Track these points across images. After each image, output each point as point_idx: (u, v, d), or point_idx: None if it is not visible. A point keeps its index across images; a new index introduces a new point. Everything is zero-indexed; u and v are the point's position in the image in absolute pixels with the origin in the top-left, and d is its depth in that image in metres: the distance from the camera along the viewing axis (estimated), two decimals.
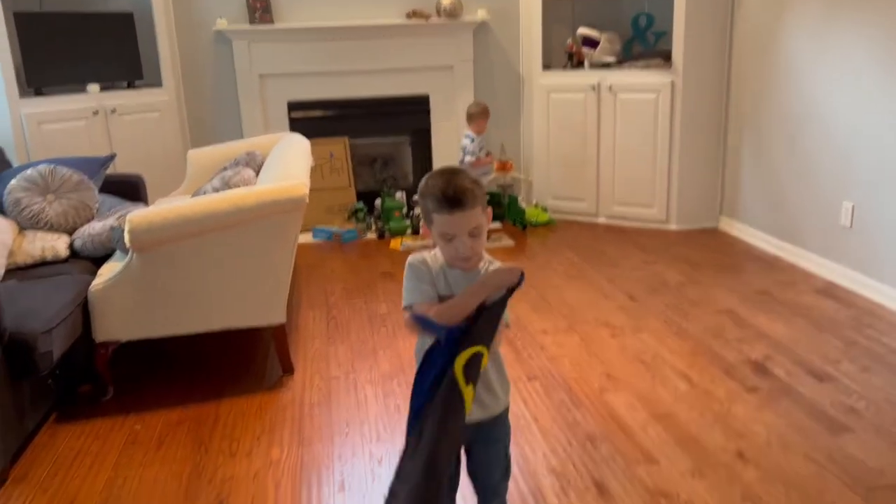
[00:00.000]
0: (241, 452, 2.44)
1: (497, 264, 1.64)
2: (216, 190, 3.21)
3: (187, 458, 2.42)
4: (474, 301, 1.57)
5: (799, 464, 2.24)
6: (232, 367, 3.09)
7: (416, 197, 1.68)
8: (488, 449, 1.73)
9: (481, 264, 1.64)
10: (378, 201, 5.10)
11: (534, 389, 2.77)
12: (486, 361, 1.55)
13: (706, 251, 4.39)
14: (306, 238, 4.92)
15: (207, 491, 2.23)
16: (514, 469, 2.26)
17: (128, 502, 2.19)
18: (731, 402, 2.62)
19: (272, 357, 3.10)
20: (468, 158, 4.86)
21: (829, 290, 3.65)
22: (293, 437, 2.53)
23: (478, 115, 4.91)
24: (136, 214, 2.65)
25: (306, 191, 2.79)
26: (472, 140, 4.90)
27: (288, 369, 2.99)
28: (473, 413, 1.61)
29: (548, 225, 5.08)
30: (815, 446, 2.33)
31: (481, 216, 1.56)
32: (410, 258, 1.63)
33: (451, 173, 1.56)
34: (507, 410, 1.74)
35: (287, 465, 2.36)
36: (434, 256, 1.63)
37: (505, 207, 5.11)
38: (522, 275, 1.56)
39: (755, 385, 2.74)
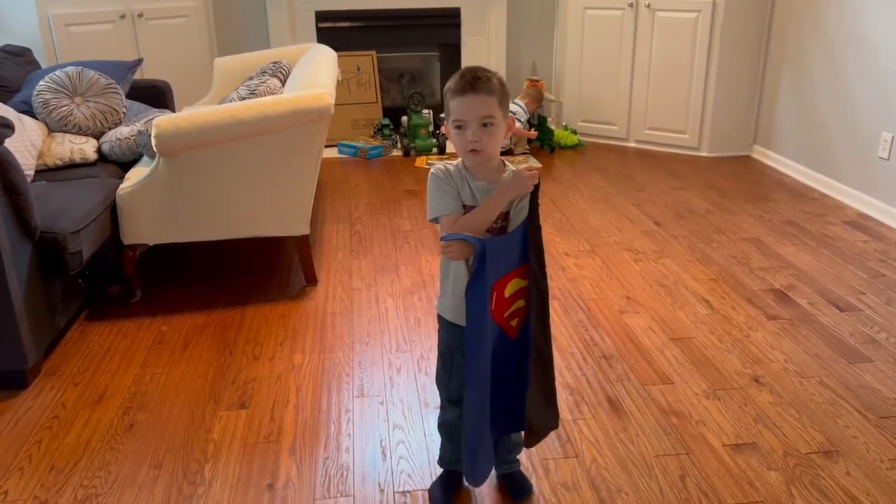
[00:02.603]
0: (263, 356, 2.51)
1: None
2: (242, 98, 3.19)
3: (212, 359, 2.49)
4: (495, 209, 1.56)
5: (814, 390, 2.25)
6: (257, 275, 3.14)
7: (443, 115, 1.66)
8: None
9: (505, 174, 1.62)
10: (404, 118, 5.04)
11: (553, 309, 2.79)
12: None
13: (736, 179, 4.31)
14: (331, 153, 4.90)
15: (231, 390, 2.31)
16: None
17: (155, 398, 2.28)
18: (751, 329, 2.62)
19: (296, 267, 3.14)
20: (517, 125, 4.76)
21: (859, 223, 3.59)
22: (315, 344, 2.58)
23: (533, 97, 4.91)
24: (163, 119, 2.65)
25: (331, 100, 2.76)
26: (524, 110, 4.85)
27: (311, 280, 3.03)
28: None
29: (576, 147, 5.00)
30: (832, 374, 2.34)
31: (497, 109, 1.53)
32: (433, 169, 1.62)
33: (471, 66, 1.57)
34: None
35: (308, 369, 2.42)
36: (456, 166, 1.61)
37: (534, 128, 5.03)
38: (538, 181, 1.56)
39: (776, 313, 2.73)
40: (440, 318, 1.73)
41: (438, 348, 1.77)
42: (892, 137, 3.51)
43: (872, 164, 3.66)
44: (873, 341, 2.52)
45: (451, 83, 1.55)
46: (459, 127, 1.53)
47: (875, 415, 2.13)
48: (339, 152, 4.96)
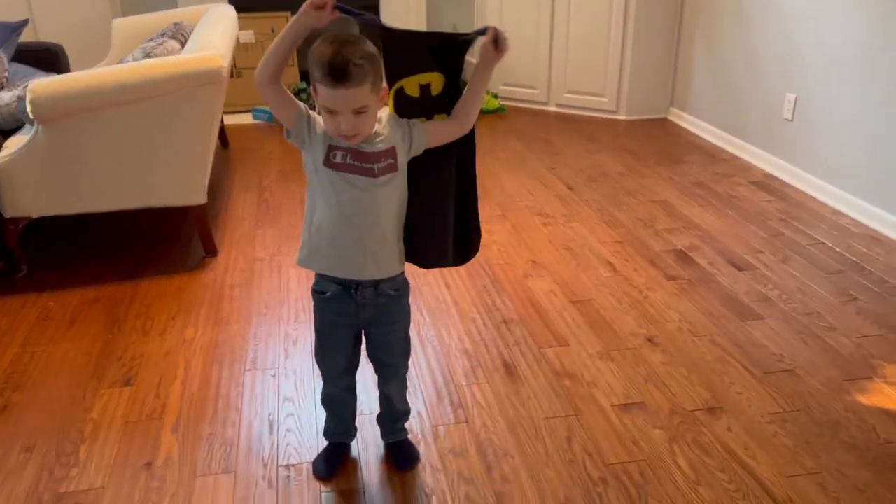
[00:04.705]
0: (154, 331, 2.41)
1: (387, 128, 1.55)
2: (136, 61, 3.03)
3: (99, 335, 2.39)
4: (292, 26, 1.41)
5: (704, 348, 2.29)
6: (154, 247, 3.02)
7: None
8: (387, 330, 1.72)
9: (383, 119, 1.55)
10: None
11: (458, 274, 2.76)
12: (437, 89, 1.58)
13: (651, 142, 4.34)
14: (246, 119, 4.75)
15: (116, 367, 2.22)
16: (428, 350, 2.28)
17: (33, 377, 2.17)
18: (650, 290, 2.65)
19: (196, 239, 3.03)
20: None
21: (765, 183, 3.66)
22: (209, 317, 2.50)
23: None
24: (39, 83, 2.50)
25: (223, 63, 2.64)
26: None
27: (210, 251, 2.93)
28: (368, 269, 1.58)
29: (497, 112, 4.96)
30: (723, 332, 2.38)
31: (370, 96, 1.42)
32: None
33: (343, 42, 1.39)
34: (406, 290, 1.71)
35: (200, 344, 2.34)
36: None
37: None
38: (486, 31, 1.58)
39: (676, 274, 2.76)
40: (314, 293, 1.66)
41: (315, 326, 1.71)
42: (795, 98, 3.57)
43: (778, 124, 3.73)
44: (766, 299, 2.58)
45: (317, 61, 1.38)
46: (330, 112, 1.44)
47: (760, 370, 2.18)
48: (254, 118, 4.80)
